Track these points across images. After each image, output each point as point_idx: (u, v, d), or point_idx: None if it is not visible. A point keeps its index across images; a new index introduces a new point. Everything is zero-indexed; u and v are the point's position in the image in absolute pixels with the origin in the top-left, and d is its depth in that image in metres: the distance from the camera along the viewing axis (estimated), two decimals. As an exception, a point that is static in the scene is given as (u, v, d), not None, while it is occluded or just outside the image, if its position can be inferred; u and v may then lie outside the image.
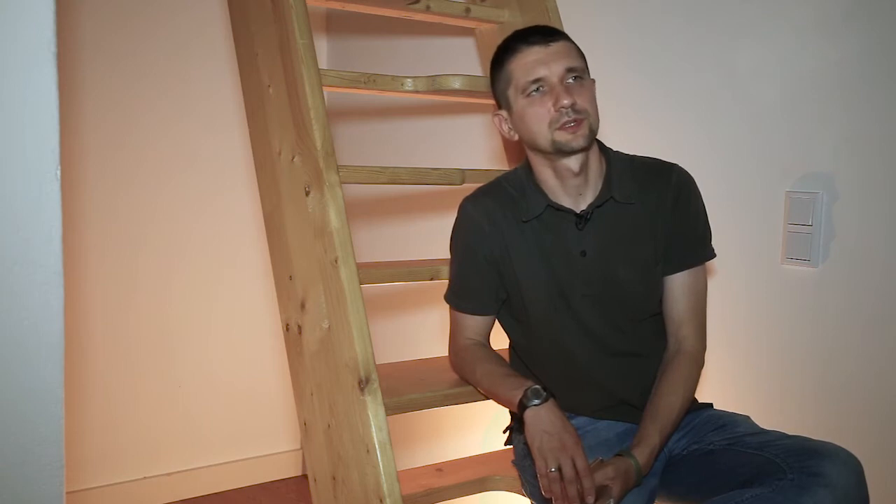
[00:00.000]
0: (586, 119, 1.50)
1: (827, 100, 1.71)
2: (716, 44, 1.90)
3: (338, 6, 2.05)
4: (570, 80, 1.50)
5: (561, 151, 1.51)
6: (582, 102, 1.49)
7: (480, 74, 2.33)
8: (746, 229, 1.84)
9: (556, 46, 1.52)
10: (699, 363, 1.58)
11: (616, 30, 2.10)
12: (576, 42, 1.58)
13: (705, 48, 1.92)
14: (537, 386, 1.49)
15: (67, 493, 0.96)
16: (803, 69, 1.75)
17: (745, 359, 1.85)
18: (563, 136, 1.49)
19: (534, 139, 1.54)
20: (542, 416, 1.45)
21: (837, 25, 1.69)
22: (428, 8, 2.00)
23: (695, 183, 1.61)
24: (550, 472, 1.40)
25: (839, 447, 1.38)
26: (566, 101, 1.48)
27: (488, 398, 1.68)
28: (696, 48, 1.93)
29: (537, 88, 1.51)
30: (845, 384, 1.69)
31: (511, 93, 1.56)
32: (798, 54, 1.76)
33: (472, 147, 2.57)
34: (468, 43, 2.50)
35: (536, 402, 1.46)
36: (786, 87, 1.77)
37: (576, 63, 1.52)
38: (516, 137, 1.59)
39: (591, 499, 1.38)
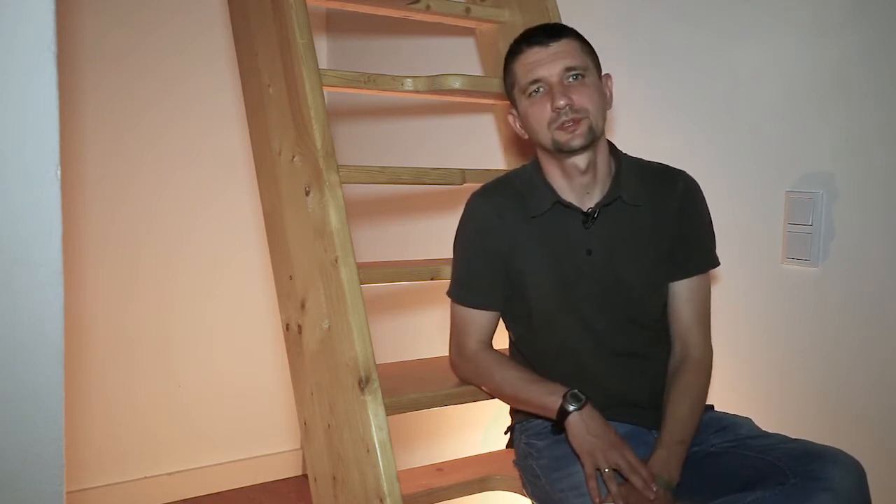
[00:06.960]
0: (585, 118, 1.50)
1: (827, 100, 1.71)
2: (716, 44, 1.90)
3: (338, 6, 2.05)
4: (570, 80, 1.51)
5: (561, 150, 1.52)
6: (580, 101, 1.50)
7: (480, 74, 2.33)
8: (746, 229, 1.84)
9: (556, 46, 1.52)
10: (708, 369, 1.60)
11: (616, 30, 2.10)
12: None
13: (705, 48, 1.92)
14: (575, 390, 1.49)
15: (67, 493, 0.96)
16: (803, 69, 1.75)
17: (745, 359, 1.85)
18: (561, 136, 1.50)
19: (537, 138, 1.56)
20: (585, 421, 1.46)
21: (837, 25, 1.69)
22: (428, 8, 2.00)
23: (701, 190, 1.62)
24: (606, 471, 1.42)
25: (841, 451, 1.38)
26: (561, 102, 1.49)
27: (493, 399, 1.68)
28: (696, 48, 1.93)
29: (537, 89, 1.53)
30: (845, 384, 1.69)
31: (516, 93, 1.58)
32: (798, 54, 1.76)
33: (472, 147, 2.57)
34: (468, 43, 2.50)
35: (575, 406, 1.47)
36: (786, 87, 1.77)
37: (576, 62, 1.52)
38: (527, 136, 1.60)
39: (654, 486, 1.40)
